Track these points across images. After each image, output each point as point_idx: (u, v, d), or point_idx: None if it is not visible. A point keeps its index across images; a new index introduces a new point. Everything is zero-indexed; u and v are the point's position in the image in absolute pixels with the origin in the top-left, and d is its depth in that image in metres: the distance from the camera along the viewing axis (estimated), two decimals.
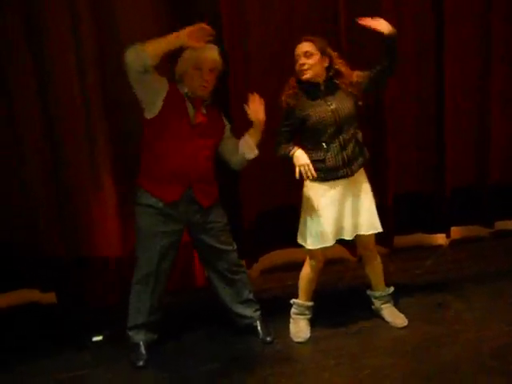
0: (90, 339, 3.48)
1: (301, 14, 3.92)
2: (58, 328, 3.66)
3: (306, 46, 3.11)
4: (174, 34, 2.86)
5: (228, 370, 3.09)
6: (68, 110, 3.60)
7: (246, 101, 3.18)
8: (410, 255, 4.30)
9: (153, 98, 2.96)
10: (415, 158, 4.30)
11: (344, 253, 4.38)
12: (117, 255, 3.78)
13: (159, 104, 2.97)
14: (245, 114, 3.18)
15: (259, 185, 4.11)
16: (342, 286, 4.01)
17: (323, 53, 3.12)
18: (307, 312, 3.48)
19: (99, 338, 3.49)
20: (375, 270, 3.48)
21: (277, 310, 3.65)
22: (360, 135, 3.24)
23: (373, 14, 3.15)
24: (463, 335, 3.24)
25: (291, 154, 3.15)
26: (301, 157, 3.12)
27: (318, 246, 3.27)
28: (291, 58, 3.19)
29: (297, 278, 4.06)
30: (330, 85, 3.16)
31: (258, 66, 3.92)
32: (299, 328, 3.43)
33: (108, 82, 3.60)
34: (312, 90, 3.15)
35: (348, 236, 3.29)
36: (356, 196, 3.25)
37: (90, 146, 3.65)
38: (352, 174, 3.18)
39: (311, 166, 3.10)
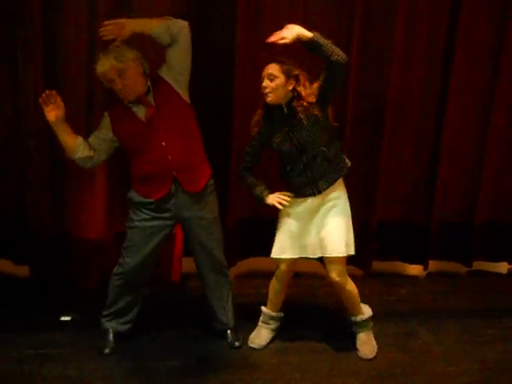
0: (58, 318, 3.44)
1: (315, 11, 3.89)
2: (29, 303, 3.62)
3: (270, 68, 3.05)
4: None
5: (192, 369, 3.08)
6: (69, 91, 3.56)
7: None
8: (386, 281, 4.31)
9: (108, 143, 3.11)
10: (406, 187, 4.31)
11: (321, 268, 4.39)
12: (99, 239, 3.75)
13: (113, 137, 3.09)
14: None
15: (242, 192, 4.10)
16: (316, 301, 4.02)
17: (288, 76, 3.05)
18: (271, 322, 3.48)
19: (67, 318, 3.46)
20: (348, 297, 3.36)
21: (248, 317, 3.64)
22: (331, 151, 3.15)
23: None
24: (430, 367, 3.26)
25: (264, 200, 3.21)
26: (271, 197, 3.19)
27: (277, 256, 3.29)
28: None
29: None
30: (292, 107, 3.10)
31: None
32: (258, 334, 3.44)
33: None
34: (276, 113, 3.14)
35: (311, 254, 3.28)
36: (324, 215, 3.20)
37: (86, 131, 3.60)
38: (319, 192, 3.15)
39: (281, 196, 3.16)
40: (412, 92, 4.08)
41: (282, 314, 3.51)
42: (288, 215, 3.23)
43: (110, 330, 3.21)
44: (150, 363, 3.10)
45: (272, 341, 3.45)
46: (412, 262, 4.48)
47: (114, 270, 3.21)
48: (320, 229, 3.21)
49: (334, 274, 3.26)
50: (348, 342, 3.46)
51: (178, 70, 3.02)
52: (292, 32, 2.85)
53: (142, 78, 2.96)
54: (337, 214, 3.20)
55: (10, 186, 3.75)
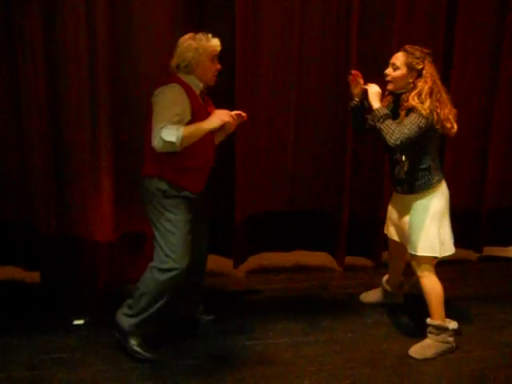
0: (71, 322, 3.44)
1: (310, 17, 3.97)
2: (40, 308, 3.62)
3: (396, 57, 3.14)
4: (208, 124, 2.88)
5: (206, 367, 3.07)
6: (73, 94, 3.62)
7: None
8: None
9: (184, 117, 2.92)
10: None
11: (330, 262, 4.40)
12: (108, 240, 3.75)
13: (189, 115, 2.93)
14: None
15: (254, 186, 4.11)
16: (327, 294, 4.01)
17: (411, 69, 3.08)
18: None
19: (80, 321, 3.45)
20: (425, 296, 3.27)
21: (259, 312, 3.67)
22: (413, 165, 3.15)
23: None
24: (445, 355, 3.24)
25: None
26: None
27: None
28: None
29: (283, 282, 4.11)
30: (400, 99, 3.15)
31: (268, 69, 4.00)
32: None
33: (117, 71, 3.62)
34: (394, 100, 3.23)
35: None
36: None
37: (92, 132, 3.65)
38: (402, 193, 3.28)
39: None
40: None
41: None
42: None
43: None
44: (162, 363, 3.09)
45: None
46: None
47: (160, 277, 3.00)
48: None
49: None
50: (360, 334, 3.47)
51: None
52: (372, 88, 3.13)
53: None
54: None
55: (16, 190, 3.75)
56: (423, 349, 3.23)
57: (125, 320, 3.09)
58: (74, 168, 3.69)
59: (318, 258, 4.45)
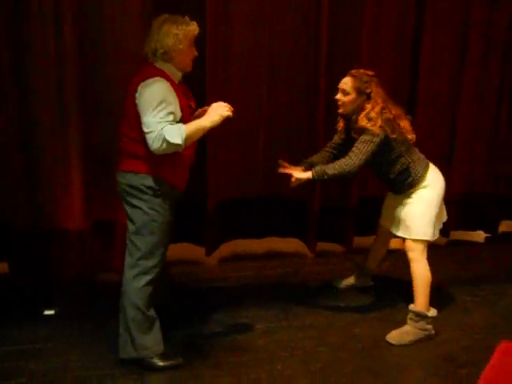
0: (42, 313, 3.41)
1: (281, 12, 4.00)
2: (10, 299, 3.57)
3: (344, 83, 3.23)
4: (209, 122, 2.75)
5: (179, 354, 3.05)
6: (42, 85, 3.55)
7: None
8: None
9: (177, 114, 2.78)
10: None
11: (302, 248, 4.43)
12: (78, 229, 3.70)
13: (180, 111, 2.79)
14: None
15: (226, 173, 4.11)
16: (300, 280, 4.05)
17: (360, 93, 3.20)
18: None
19: (51, 312, 3.42)
20: (413, 280, 3.32)
21: (232, 299, 3.69)
22: (391, 173, 3.29)
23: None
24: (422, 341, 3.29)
25: None
26: None
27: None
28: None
29: (255, 269, 4.13)
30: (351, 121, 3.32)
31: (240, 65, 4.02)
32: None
33: (84, 59, 3.58)
34: (348, 122, 3.39)
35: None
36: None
37: (61, 123, 3.59)
38: (395, 194, 3.45)
39: None
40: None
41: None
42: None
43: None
44: None
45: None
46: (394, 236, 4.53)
47: (141, 285, 2.87)
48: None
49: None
50: (332, 318, 3.51)
51: None
52: (297, 175, 3.19)
53: None
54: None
55: None
56: (401, 335, 3.28)
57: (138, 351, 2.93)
58: (43, 156, 3.63)
59: (291, 244, 4.48)
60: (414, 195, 3.31)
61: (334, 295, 3.79)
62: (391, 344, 3.25)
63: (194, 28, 2.83)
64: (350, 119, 3.30)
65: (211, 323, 3.41)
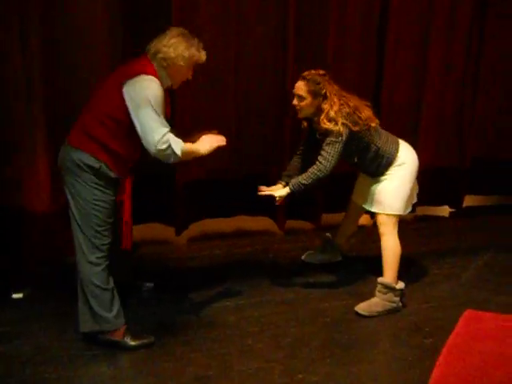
0: (10, 296, 3.38)
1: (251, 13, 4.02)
2: None
3: (298, 88, 3.26)
4: (202, 150, 2.87)
5: (152, 332, 3.08)
6: (7, 68, 3.47)
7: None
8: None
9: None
10: None
11: (272, 226, 4.47)
12: (46, 211, 3.66)
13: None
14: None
15: None
16: (269, 257, 4.09)
17: (315, 95, 3.23)
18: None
19: (19, 295, 3.39)
20: (382, 253, 3.40)
21: (202, 278, 3.73)
22: (363, 161, 3.40)
23: None
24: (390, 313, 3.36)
25: None
26: None
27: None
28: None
29: (225, 248, 4.16)
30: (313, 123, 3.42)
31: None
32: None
33: (49, 42, 3.52)
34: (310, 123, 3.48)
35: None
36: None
37: (27, 103, 3.53)
38: (371, 176, 3.51)
39: None
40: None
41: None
42: None
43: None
44: None
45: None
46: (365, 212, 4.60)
47: (94, 259, 2.88)
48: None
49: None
50: (301, 294, 3.57)
51: None
52: (278, 193, 3.31)
53: None
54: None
55: None
56: (370, 306, 3.35)
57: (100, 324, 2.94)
58: (10, 139, 3.56)
59: (260, 222, 4.51)
60: (387, 173, 3.39)
61: (303, 271, 3.84)
62: (359, 315, 3.32)
63: (201, 56, 2.90)
64: (311, 120, 3.35)
65: (181, 301, 3.44)
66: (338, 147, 3.18)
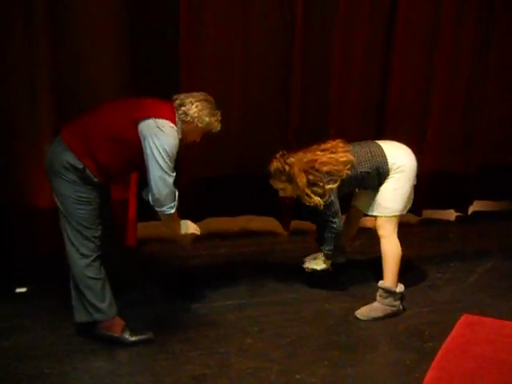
0: (14, 290, 3.41)
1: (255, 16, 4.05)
2: None
3: (274, 185, 3.42)
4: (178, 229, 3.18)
5: (152, 330, 3.07)
6: (11, 58, 3.51)
7: None
8: None
9: None
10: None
11: (277, 226, 4.47)
12: (50, 206, 3.65)
13: None
14: None
15: (199, 150, 4.10)
16: (272, 258, 4.10)
17: (290, 180, 3.34)
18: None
19: (23, 289, 3.42)
20: (382, 256, 3.40)
21: (204, 277, 3.74)
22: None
23: None
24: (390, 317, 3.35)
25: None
26: None
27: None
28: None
29: (229, 247, 4.16)
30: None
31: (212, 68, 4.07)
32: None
33: (56, 35, 3.55)
34: None
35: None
36: None
37: (31, 96, 3.57)
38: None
39: None
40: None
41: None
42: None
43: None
44: None
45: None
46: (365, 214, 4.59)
47: (85, 250, 2.89)
48: None
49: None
50: (303, 294, 3.58)
51: None
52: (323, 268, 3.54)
53: None
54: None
55: None
56: (369, 311, 3.34)
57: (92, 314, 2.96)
58: (13, 135, 3.60)
59: (265, 222, 4.52)
60: (387, 180, 3.39)
61: (305, 272, 3.83)
62: (359, 319, 3.31)
63: (216, 126, 3.02)
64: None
65: (183, 299, 3.45)
66: (334, 206, 3.33)
